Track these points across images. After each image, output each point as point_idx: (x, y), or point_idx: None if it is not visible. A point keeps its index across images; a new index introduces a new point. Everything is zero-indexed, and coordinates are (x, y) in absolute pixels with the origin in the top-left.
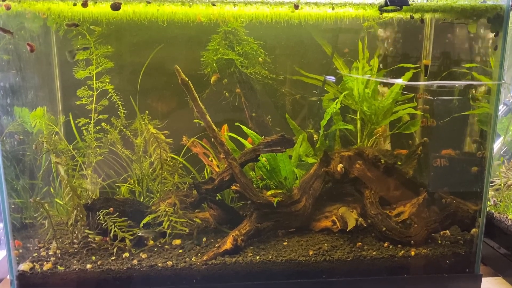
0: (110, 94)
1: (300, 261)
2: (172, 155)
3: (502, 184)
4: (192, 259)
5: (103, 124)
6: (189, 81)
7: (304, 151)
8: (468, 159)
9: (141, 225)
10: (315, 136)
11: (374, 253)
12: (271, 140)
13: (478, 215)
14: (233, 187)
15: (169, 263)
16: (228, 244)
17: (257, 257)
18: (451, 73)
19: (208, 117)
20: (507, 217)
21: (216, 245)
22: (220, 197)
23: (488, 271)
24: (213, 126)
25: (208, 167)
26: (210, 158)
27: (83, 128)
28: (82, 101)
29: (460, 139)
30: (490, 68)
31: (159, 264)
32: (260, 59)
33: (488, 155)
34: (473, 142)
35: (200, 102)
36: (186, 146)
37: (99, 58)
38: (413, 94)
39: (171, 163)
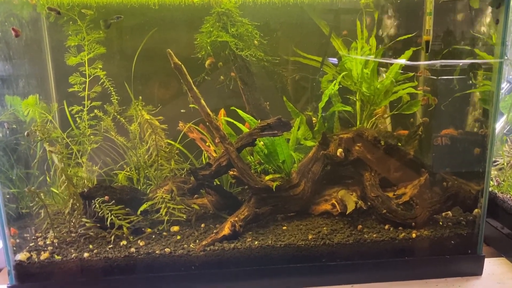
0: (102, 80)
1: (300, 245)
2: (169, 141)
3: (505, 164)
4: (190, 245)
5: (95, 111)
6: (182, 65)
7: (303, 134)
8: (470, 138)
9: (138, 212)
10: (313, 118)
11: (374, 235)
12: (268, 123)
13: (481, 196)
14: (231, 173)
15: (167, 250)
16: (226, 230)
17: (256, 242)
18: (452, 51)
19: (203, 101)
20: (510, 197)
21: (214, 231)
22: (218, 183)
23: (491, 251)
24: (208, 111)
25: (205, 152)
26: (207, 144)
27: (76, 116)
28: (74, 88)
29: (462, 119)
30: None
31: (156, 252)
32: (255, 41)
33: (490, 134)
34: (475, 121)
35: (194, 87)
36: (183, 132)
37: (91, 44)
38: (413, 73)
39: (167, 149)
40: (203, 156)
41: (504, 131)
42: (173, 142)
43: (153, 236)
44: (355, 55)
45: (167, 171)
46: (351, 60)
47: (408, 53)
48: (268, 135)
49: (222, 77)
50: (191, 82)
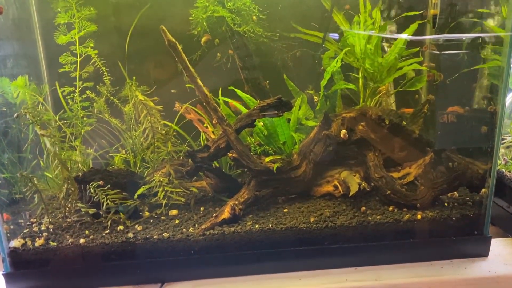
0: (93, 60)
1: (301, 228)
2: (165, 122)
3: None
4: (189, 229)
5: (87, 92)
6: (177, 43)
7: (304, 114)
8: (478, 116)
9: (136, 196)
10: (315, 97)
11: (378, 217)
12: (267, 103)
13: (488, 175)
14: (230, 155)
15: (166, 234)
16: (226, 214)
17: (257, 226)
18: (459, 25)
19: (199, 81)
20: None
21: (214, 214)
22: (217, 165)
23: (497, 231)
24: (205, 90)
25: (203, 134)
26: (205, 125)
27: (68, 97)
28: (65, 68)
29: (469, 96)
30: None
31: (154, 236)
32: (253, 16)
33: (500, 110)
34: (483, 98)
35: (190, 65)
36: (179, 112)
37: (82, 22)
38: (418, 48)
39: (163, 131)
40: (201, 137)
41: None
42: (170, 124)
43: (151, 221)
44: (357, 30)
45: (164, 153)
46: (354, 35)
47: (414, 27)
48: (268, 115)
49: (219, 54)
50: (186, 60)
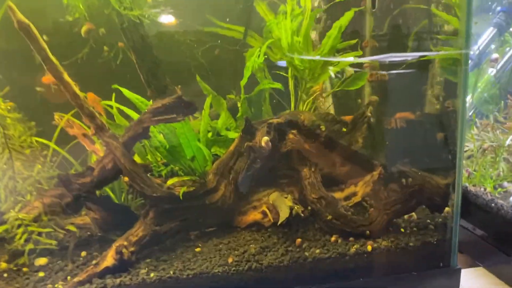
0: None
1: (215, 273)
2: (37, 139)
3: (476, 149)
4: (57, 285)
5: None
6: (31, 24)
7: (224, 123)
8: (433, 120)
9: None
10: (238, 104)
11: (317, 251)
12: (163, 104)
13: (452, 190)
14: (125, 179)
15: None
16: (109, 260)
17: (152, 274)
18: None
19: (66, 77)
20: (484, 190)
21: (94, 262)
22: (109, 193)
23: (465, 259)
24: (76, 90)
25: (92, 153)
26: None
27: None
28: None
29: (420, 99)
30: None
31: None
32: None
33: (460, 109)
34: (436, 99)
35: (51, 55)
36: (60, 126)
37: None
38: (357, 40)
39: (26, 149)
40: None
41: (469, 114)
42: (43, 140)
43: (5, 275)
44: (283, 20)
45: (30, 181)
46: (280, 27)
47: (349, 15)
48: (163, 121)
49: (106, 48)
50: (46, 48)
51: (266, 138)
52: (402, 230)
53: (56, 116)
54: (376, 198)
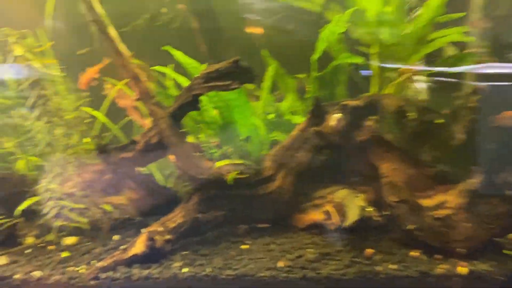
0: None
1: (261, 278)
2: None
3: None
4: (80, 268)
5: None
6: None
7: (290, 106)
8: None
9: (16, 212)
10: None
11: (393, 267)
12: (216, 69)
13: None
14: (172, 157)
15: (36, 274)
16: (138, 246)
17: (185, 270)
18: None
19: (110, 30)
20: None
21: (122, 247)
22: (157, 173)
23: None
24: (120, 48)
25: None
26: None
27: None
28: None
29: None
30: None
31: (15, 276)
32: None
33: None
34: None
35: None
36: (112, 95)
37: None
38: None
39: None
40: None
41: None
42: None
43: (30, 250)
44: None
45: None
46: None
47: None
48: (215, 88)
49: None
50: None
51: (338, 114)
52: (505, 251)
53: (108, 85)
54: (474, 211)
